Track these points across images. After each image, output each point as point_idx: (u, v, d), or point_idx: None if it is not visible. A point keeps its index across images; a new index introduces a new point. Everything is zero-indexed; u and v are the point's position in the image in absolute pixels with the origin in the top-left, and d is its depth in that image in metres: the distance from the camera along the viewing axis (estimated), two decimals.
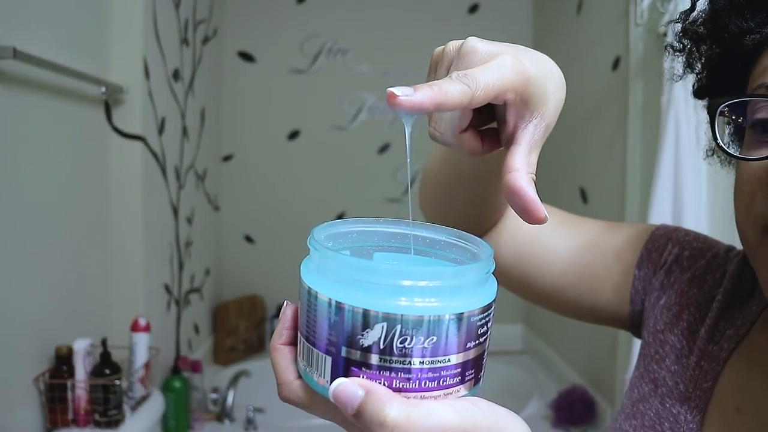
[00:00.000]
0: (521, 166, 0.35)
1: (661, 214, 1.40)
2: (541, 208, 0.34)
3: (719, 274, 0.57)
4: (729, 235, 0.86)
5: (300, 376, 0.34)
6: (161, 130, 1.83)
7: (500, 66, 0.34)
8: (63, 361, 1.31)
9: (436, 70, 0.39)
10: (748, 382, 0.50)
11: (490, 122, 0.40)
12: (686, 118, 1.37)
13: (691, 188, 1.37)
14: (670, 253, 0.60)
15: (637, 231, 0.64)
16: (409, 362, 0.29)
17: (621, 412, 0.58)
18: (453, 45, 0.37)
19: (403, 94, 0.31)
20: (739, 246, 0.59)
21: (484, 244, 0.35)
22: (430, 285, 0.29)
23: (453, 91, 0.32)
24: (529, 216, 0.34)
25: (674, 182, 1.40)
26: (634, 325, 0.63)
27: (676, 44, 0.55)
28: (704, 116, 0.59)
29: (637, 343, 0.64)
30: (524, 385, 2.25)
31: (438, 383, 0.30)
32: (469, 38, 0.36)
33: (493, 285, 0.33)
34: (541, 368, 2.45)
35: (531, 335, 2.69)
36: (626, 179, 1.74)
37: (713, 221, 1.37)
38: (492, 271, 0.33)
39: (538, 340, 2.60)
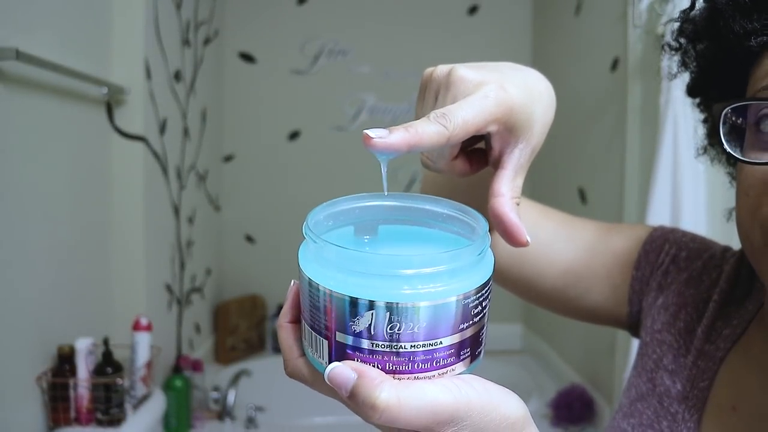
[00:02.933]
0: (506, 191, 0.36)
1: (659, 214, 1.41)
2: (524, 233, 0.36)
3: (716, 275, 0.58)
4: (727, 235, 0.86)
5: (304, 354, 0.35)
6: (162, 130, 1.84)
7: (482, 99, 0.34)
8: (65, 360, 1.31)
9: (425, 94, 0.40)
10: (745, 380, 0.50)
11: (479, 142, 0.41)
12: (684, 119, 1.37)
13: (689, 188, 1.37)
14: (667, 254, 0.61)
15: (634, 232, 0.64)
16: (401, 346, 0.30)
17: (619, 411, 0.59)
18: (441, 71, 0.38)
19: (377, 136, 0.32)
20: (735, 246, 0.60)
21: (481, 219, 0.35)
22: (422, 272, 0.29)
23: (429, 132, 0.33)
24: (511, 240, 0.36)
25: (672, 182, 1.40)
26: (632, 325, 0.64)
27: (672, 42, 0.55)
28: (700, 116, 0.60)
29: (636, 343, 0.64)
30: (523, 384, 2.26)
31: (432, 364, 0.30)
32: (456, 66, 0.37)
33: (489, 262, 0.33)
34: (540, 367, 2.45)
35: (530, 334, 2.70)
36: (625, 179, 1.75)
37: (711, 221, 1.38)
38: (488, 246, 0.33)
39: (537, 340, 2.61)
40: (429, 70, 0.40)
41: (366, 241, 0.35)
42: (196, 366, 1.96)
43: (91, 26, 1.52)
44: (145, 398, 1.53)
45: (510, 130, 0.36)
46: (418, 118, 0.41)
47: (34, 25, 1.24)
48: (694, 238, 0.62)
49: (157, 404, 1.57)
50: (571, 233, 0.64)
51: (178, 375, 1.79)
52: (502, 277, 0.64)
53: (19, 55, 1.09)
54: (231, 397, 1.96)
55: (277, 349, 2.55)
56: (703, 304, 0.57)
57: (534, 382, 2.27)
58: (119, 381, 1.36)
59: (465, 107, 0.34)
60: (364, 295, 0.29)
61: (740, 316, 0.54)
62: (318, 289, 0.31)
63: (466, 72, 0.36)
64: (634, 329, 0.64)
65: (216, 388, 2.03)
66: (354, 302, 0.29)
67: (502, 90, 0.35)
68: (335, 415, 1.79)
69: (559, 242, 0.63)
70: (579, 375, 2.12)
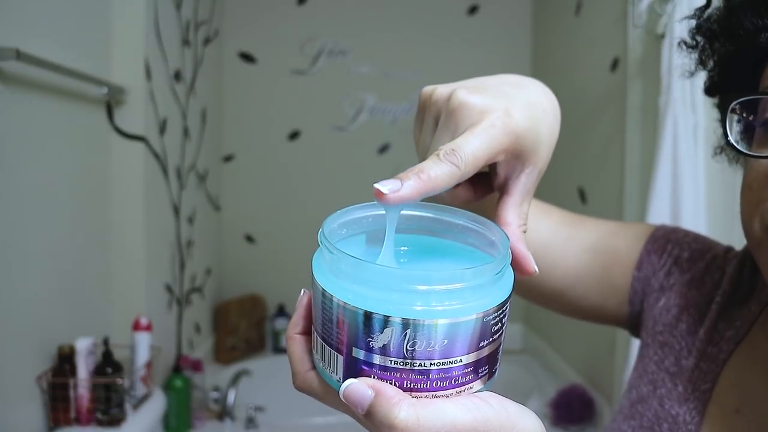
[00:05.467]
0: (513, 219, 0.36)
1: (659, 214, 1.41)
2: (532, 263, 0.35)
3: (718, 276, 0.58)
4: (728, 235, 0.86)
5: (314, 367, 0.34)
6: (163, 130, 1.84)
7: (489, 129, 0.33)
8: (65, 360, 1.31)
9: (424, 116, 0.38)
10: (748, 383, 0.50)
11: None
12: (684, 119, 1.37)
13: (689, 188, 1.37)
14: (670, 254, 0.60)
15: (636, 231, 0.64)
16: (420, 364, 0.29)
17: (619, 413, 0.59)
18: (441, 94, 0.37)
19: (390, 190, 0.30)
20: (737, 246, 0.60)
21: (501, 232, 0.34)
22: (442, 288, 0.28)
23: (441, 174, 0.31)
24: (519, 270, 0.35)
25: (672, 182, 1.40)
26: (633, 325, 0.64)
27: (689, 40, 0.54)
28: (704, 117, 0.60)
29: (636, 342, 0.64)
30: (523, 383, 2.26)
31: (450, 382, 0.30)
32: (458, 90, 0.36)
33: (509, 278, 0.32)
34: (540, 367, 2.45)
35: (530, 334, 2.70)
36: (625, 179, 1.75)
37: (712, 221, 1.38)
38: (509, 263, 0.32)
39: (537, 339, 2.61)
40: (428, 90, 0.38)
41: (380, 250, 0.34)
42: (196, 366, 1.96)
43: (91, 26, 1.51)
44: (145, 398, 1.53)
45: (517, 156, 0.35)
46: (417, 140, 0.40)
47: (34, 26, 1.24)
48: (697, 239, 0.62)
49: (157, 404, 1.58)
50: (572, 233, 0.64)
51: (178, 375, 1.79)
52: None
53: (20, 55, 1.09)
54: (231, 397, 1.96)
55: (277, 350, 2.55)
56: (705, 306, 0.57)
57: (534, 382, 2.27)
58: (119, 381, 1.36)
59: (473, 141, 0.33)
60: (380, 309, 0.28)
61: (743, 318, 0.53)
62: (332, 301, 0.29)
63: (468, 97, 0.35)
64: (635, 329, 0.64)
65: (216, 388, 2.03)
66: (369, 316, 0.28)
67: (507, 117, 0.34)
68: (335, 416, 1.79)
69: (560, 243, 0.63)
70: (579, 375, 2.12)
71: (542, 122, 0.36)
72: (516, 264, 0.35)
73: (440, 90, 0.37)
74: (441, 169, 0.32)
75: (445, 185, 0.32)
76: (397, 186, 0.31)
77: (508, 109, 0.34)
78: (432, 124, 0.37)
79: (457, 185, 0.38)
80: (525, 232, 0.36)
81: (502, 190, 0.37)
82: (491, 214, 0.38)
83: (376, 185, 0.31)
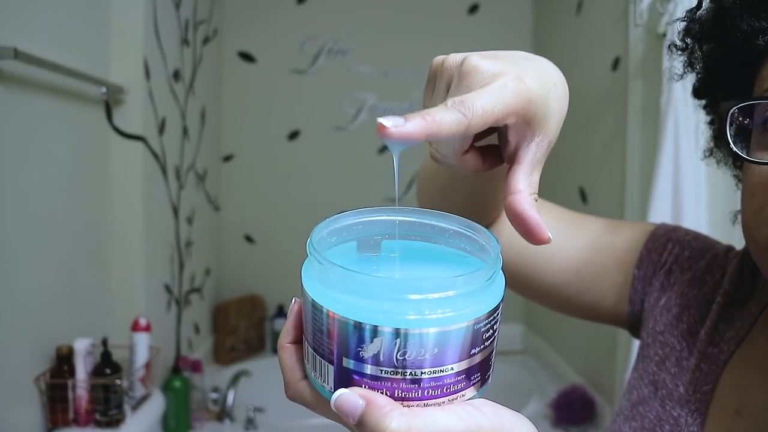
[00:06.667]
0: (523, 187, 0.35)
1: (660, 214, 1.40)
2: (545, 230, 0.34)
3: (719, 275, 0.57)
4: (728, 235, 0.86)
5: (306, 376, 0.34)
6: (162, 130, 1.83)
7: (501, 89, 0.33)
8: (64, 361, 1.31)
9: (435, 83, 0.38)
10: (748, 384, 0.50)
11: (489, 136, 0.40)
12: (686, 119, 1.37)
13: (690, 188, 1.37)
14: (670, 253, 0.60)
15: (636, 230, 0.64)
16: (411, 373, 0.29)
17: (620, 414, 0.58)
18: (453, 60, 0.37)
19: (393, 125, 0.30)
20: (738, 246, 0.59)
21: (492, 237, 0.34)
22: (433, 297, 0.28)
23: (447, 120, 0.31)
24: (532, 238, 0.35)
25: (674, 182, 1.40)
26: (633, 324, 0.63)
27: (678, 43, 0.54)
28: (703, 117, 0.60)
29: (637, 343, 0.64)
30: (524, 384, 2.26)
31: (442, 390, 0.29)
32: (470, 55, 0.35)
33: (500, 284, 0.32)
34: (541, 368, 2.45)
35: (530, 335, 2.70)
36: (626, 179, 1.74)
37: (713, 221, 1.37)
38: (500, 268, 0.32)
39: (537, 340, 2.60)
40: (440, 58, 0.38)
41: (370, 257, 0.33)
42: (196, 366, 1.95)
43: (89, 25, 1.51)
44: (144, 399, 1.53)
45: (528, 123, 0.35)
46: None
47: (32, 25, 1.24)
48: (697, 237, 0.62)
49: (156, 405, 1.57)
50: (571, 229, 0.63)
51: (177, 375, 1.79)
52: None
53: (18, 55, 1.09)
54: (230, 398, 1.96)
55: (276, 350, 2.54)
56: (706, 306, 0.56)
57: (534, 383, 2.26)
58: (118, 382, 1.35)
59: (484, 96, 0.32)
60: (370, 320, 0.28)
61: (743, 319, 0.53)
62: (322, 311, 0.29)
63: (480, 62, 0.34)
64: (634, 329, 0.64)
65: (215, 389, 2.03)
66: (358, 327, 0.28)
67: (520, 81, 0.34)
68: None
69: (560, 239, 0.63)
70: (580, 375, 2.12)
71: (553, 93, 0.36)
72: (530, 232, 0.35)
73: (452, 56, 0.37)
74: (448, 115, 0.31)
75: (450, 131, 0.31)
76: (400, 122, 0.30)
77: (520, 75, 0.34)
78: (443, 90, 0.37)
79: (466, 152, 0.38)
80: (536, 201, 0.36)
81: (512, 159, 0.37)
82: (501, 185, 0.37)
83: (380, 119, 0.30)
